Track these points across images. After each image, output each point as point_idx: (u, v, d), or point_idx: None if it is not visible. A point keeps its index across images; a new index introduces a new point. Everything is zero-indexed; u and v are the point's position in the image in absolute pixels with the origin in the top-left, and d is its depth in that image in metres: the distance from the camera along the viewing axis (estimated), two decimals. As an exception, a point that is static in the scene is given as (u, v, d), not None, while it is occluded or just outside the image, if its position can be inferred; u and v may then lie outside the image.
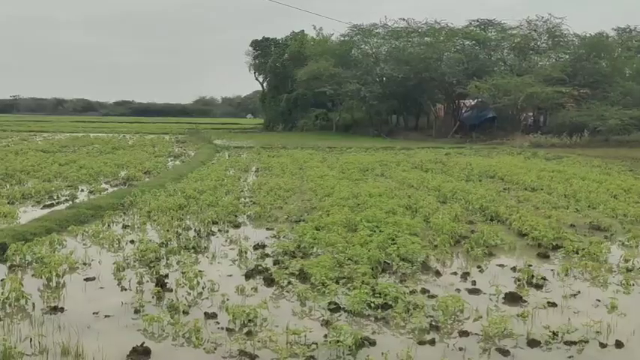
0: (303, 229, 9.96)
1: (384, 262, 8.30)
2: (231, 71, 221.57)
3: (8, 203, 13.05)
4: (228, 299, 6.73)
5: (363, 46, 49.94)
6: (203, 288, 7.20)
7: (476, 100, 44.56)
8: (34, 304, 6.60)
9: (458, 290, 7.30)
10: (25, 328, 5.93)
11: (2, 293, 6.64)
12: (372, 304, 6.50)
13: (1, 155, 23.90)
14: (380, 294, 6.77)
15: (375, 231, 9.91)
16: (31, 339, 5.54)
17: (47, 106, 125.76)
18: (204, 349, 5.51)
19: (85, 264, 8.32)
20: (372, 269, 7.79)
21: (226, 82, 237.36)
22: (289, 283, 7.45)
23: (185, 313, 6.37)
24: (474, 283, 7.69)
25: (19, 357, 5.21)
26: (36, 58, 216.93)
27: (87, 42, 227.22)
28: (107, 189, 15.87)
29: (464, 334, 5.92)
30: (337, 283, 7.25)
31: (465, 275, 8.02)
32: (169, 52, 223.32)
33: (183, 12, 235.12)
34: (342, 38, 50.23)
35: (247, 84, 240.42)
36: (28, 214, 11.85)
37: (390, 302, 6.59)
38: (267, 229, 10.94)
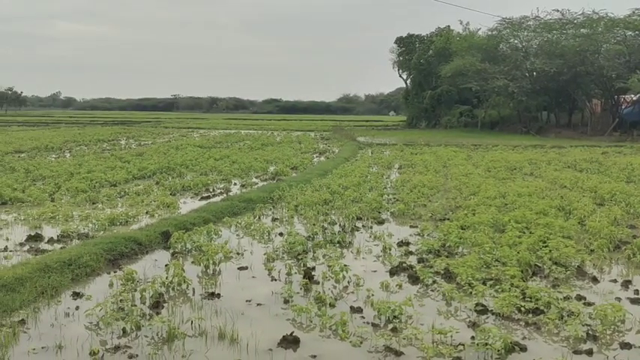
0: (448, 227, 9.81)
1: (535, 265, 7.95)
2: (374, 69, 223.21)
3: (171, 194, 14.17)
4: (373, 294, 6.79)
5: (512, 40, 48.06)
6: (348, 282, 7.34)
7: (638, 95, 41.08)
8: (194, 289, 7.11)
9: (618, 299, 6.80)
10: (186, 311, 6.39)
11: (167, 277, 7.21)
12: (522, 308, 6.25)
13: (163, 150, 26.04)
14: (531, 298, 6.50)
15: (524, 232, 9.53)
16: (192, 321, 5.96)
17: (203, 104, 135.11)
18: (350, 342, 5.60)
19: (238, 254, 8.80)
20: (522, 272, 7.49)
21: (370, 80, 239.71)
22: (434, 282, 7.37)
23: (331, 305, 6.51)
24: (636, 292, 7.12)
25: (181, 337, 5.62)
26: (194, 59, 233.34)
27: (241, 44, 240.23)
28: (257, 183, 16.68)
29: (626, 346, 5.50)
30: (484, 284, 7.06)
31: (626, 283, 7.46)
32: (316, 51, 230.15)
33: (330, 14, 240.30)
34: (490, 33, 48.68)
35: (390, 81, 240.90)
36: (188, 205, 12.77)
37: (541, 307, 6.30)
38: (411, 226, 10.90)
